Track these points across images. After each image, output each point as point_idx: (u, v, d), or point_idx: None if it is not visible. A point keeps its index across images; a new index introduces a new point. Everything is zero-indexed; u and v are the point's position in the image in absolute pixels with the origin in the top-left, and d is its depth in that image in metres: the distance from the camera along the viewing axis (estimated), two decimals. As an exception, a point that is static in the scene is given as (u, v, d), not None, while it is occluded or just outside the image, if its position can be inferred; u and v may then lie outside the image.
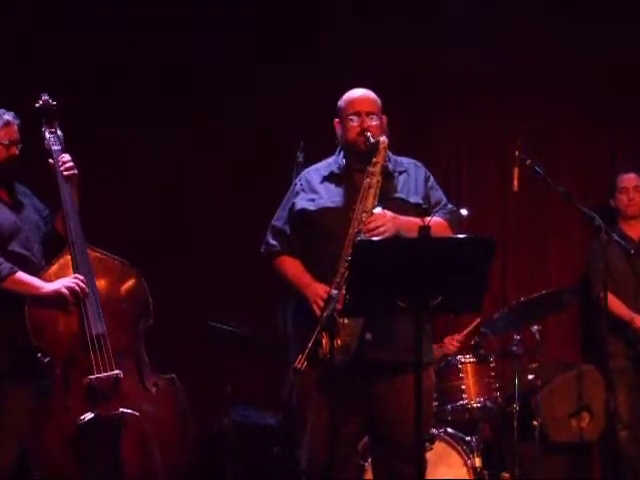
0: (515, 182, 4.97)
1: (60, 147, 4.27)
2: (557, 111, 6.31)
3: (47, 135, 4.29)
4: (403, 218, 3.78)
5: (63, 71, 5.72)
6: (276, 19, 6.11)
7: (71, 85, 5.60)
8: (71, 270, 4.11)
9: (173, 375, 4.26)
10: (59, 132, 4.31)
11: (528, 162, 4.95)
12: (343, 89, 4.07)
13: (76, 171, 4.23)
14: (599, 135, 6.33)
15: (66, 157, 4.22)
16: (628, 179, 5.86)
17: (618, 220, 5.86)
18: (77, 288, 4.03)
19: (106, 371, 4.01)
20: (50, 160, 4.23)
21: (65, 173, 4.19)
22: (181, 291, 5.82)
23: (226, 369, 5.30)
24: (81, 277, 4.06)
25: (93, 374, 3.99)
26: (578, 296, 5.81)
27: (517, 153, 4.97)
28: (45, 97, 4.34)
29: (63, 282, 4.04)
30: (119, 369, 4.03)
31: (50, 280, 4.08)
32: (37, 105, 4.33)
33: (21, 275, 4.03)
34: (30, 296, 4.02)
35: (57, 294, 4.01)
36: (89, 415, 3.93)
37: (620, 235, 5.49)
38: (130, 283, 4.25)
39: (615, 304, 5.55)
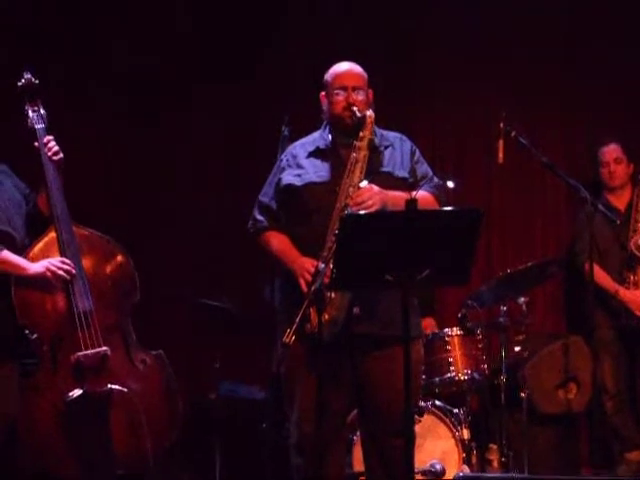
0: (500, 154, 4.98)
1: (43, 125, 4.23)
2: (542, 83, 6.29)
3: (30, 113, 4.24)
4: (390, 192, 3.77)
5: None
6: None
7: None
8: (56, 248, 4.08)
9: (160, 351, 4.26)
10: (42, 110, 4.26)
11: (513, 134, 4.95)
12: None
13: (62, 155, 4.20)
14: (583, 106, 6.32)
15: (52, 142, 4.18)
16: (608, 152, 5.82)
17: (603, 191, 5.87)
18: (61, 272, 4.01)
19: (93, 347, 4.00)
20: (35, 143, 4.19)
21: (51, 155, 4.16)
22: (169, 267, 5.83)
23: (214, 345, 5.31)
24: (67, 261, 4.04)
25: (81, 351, 3.98)
26: (564, 267, 5.83)
27: (501, 125, 4.97)
28: (28, 75, 4.30)
29: (49, 264, 4.01)
30: (106, 345, 4.03)
31: (35, 259, 4.05)
32: (20, 83, 4.29)
33: (7, 254, 4.01)
34: (15, 276, 4.00)
35: (42, 277, 4.00)
36: (77, 392, 3.93)
37: (606, 206, 5.49)
38: (116, 260, 4.24)
39: (600, 275, 5.55)
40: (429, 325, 5.56)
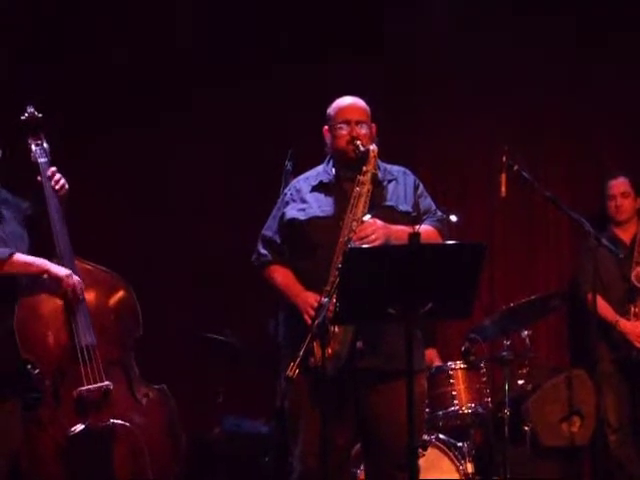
0: (502, 188, 4.97)
1: (46, 159, 4.24)
2: (545, 116, 6.33)
3: (33, 148, 4.26)
4: (393, 227, 3.78)
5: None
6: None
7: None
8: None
9: (163, 385, 4.25)
10: (45, 144, 4.29)
11: (515, 167, 4.95)
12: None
13: (67, 186, 4.21)
14: (588, 138, 6.34)
15: (57, 175, 4.19)
16: (616, 185, 5.85)
17: (610, 224, 5.88)
18: (77, 289, 4.01)
19: (96, 382, 4.00)
20: (39, 178, 4.20)
21: (57, 188, 4.16)
22: (173, 302, 5.83)
23: (218, 379, 5.30)
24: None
25: (83, 385, 3.98)
26: (566, 300, 5.83)
27: (504, 159, 4.97)
28: (30, 109, 4.32)
29: (72, 274, 4.02)
30: (109, 380, 4.02)
31: (39, 295, 4.06)
32: (22, 118, 4.31)
33: (20, 255, 3.99)
34: (37, 273, 3.99)
35: (60, 280, 3.99)
36: (80, 426, 3.93)
37: (611, 239, 5.48)
38: (119, 294, 4.25)
39: (601, 306, 5.52)
40: (431, 356, 5.56)
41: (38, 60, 5.75)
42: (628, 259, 5.63)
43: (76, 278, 4.05)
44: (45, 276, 4.02)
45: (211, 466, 5.40)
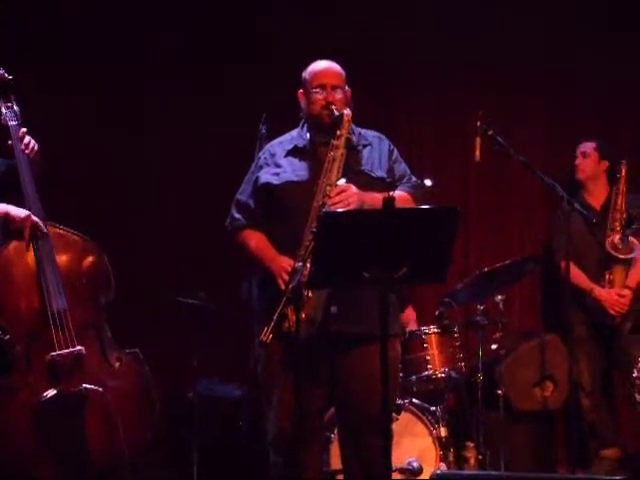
0: (477, 152, 4.97)
1: (17, 122, 4.18)
2: (522, 83, 6.31)
3: (3, 110, 4.19)
4: (367, 193, 3.76)
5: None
6: None
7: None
8: (31, 246, 4.05)
9: (136, 349, 4.22)
10: (16, 107, 4.22)
11: (490, 132, 4.95)
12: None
13: (37, 147, 4.16)
14: (564, 106, 6.33)
15: (27, 137, 4.14)
16: (581, 146, 5.91)
17: (579, 190, 5.89)
18: (39, 224, 4.00)
19: (68, 347, 3.96)
20: (9, 142, 4.15)
21: (27, 152, 4.12)
22: (146, 265, 5.81)
23: (192, 343, 5.29)
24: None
25: (55, 350, 3.95)
26: (540, 265, 5.85)
27: (479, 123, 4.97)
28: (0, 71, 4.26)
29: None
30: (81, 345, 3.99)
31: (9, 257, 4.02)
32: None
33: None
34: None
35: (27, 217, 3.98)
36: (51, 392, 3.89)
37: (581, 204, 5.49)
38: (91, 258, 4.21)
39: (576, 274, 5.54)
40: (409, 314, 5.58)
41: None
42: (601, 225, 5.65)
43: (36, 218, 4.01)
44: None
45: (185, 430, 5.40)
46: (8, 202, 4.11)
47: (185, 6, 6.07)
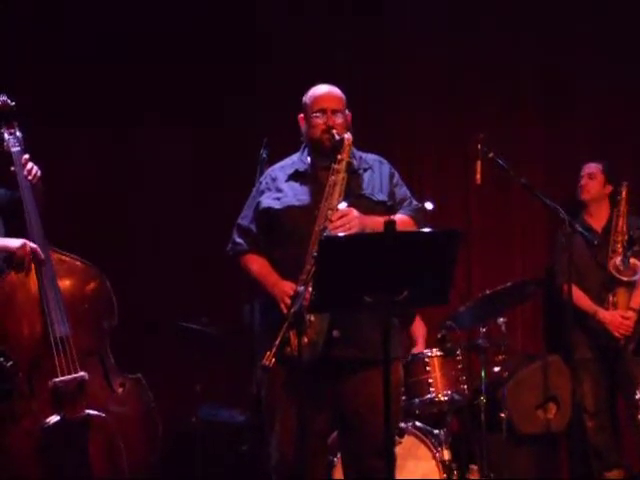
0: (478, 175, 4.99)
1: (20, 148, 4.21)
2: (522, 105, 6.33)
3: (6, 136, 4.23)
4: (368, 217, 3.77)
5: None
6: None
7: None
8: (34, 273, 4.06)
9: (139, 375, 4.23)
10: (18, 133, 4.26)
11: (490, 155, 4.96)
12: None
13: (39, 173, 4.18)
14: (564, 129, 6.35)
15: (30, 163, 4.16)
16: (586, 167, 5.90)
17: (581, 212, 5.90)
18: (37, 250, 4.03)
19: (71, 373, 3.98)
20: (12, 168, 4.17)
21: (30, 177, 4.14)
22: (148, 291, 5.79)
23: (195, 368, 5.28)
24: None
25: (58, 376, 3.95)
26: (542, 288, 5.84)
27: (479, 146, 4.98)
28: (3, 97, 4.29)
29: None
30: (84, 370, 4.00)
31: (13, 284, 4.03)
32: None
33: None
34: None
35: (22, 246, 4.00)
36: (55, 418, 3.91)
37: (583, 227, 5.50)
38: (93, 284, 4.23)
39: (578, 296, 5.55)
40: (420, 329, 5.59)
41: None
42: (603, 247, 5.65)
43: (32, 244, 4.03)
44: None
45: (188, 455, 5.39)
46: (10, 230, 4.13)
47: (185, 10, 6.08)
